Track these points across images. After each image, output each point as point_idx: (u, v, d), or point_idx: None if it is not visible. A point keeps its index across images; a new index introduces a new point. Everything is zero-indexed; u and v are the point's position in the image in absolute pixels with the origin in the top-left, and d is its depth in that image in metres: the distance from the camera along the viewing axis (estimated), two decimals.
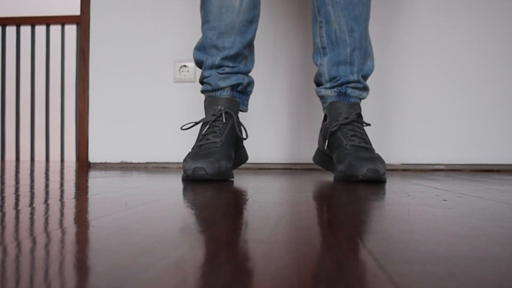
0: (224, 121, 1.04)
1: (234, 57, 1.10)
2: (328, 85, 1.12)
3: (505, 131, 1.63)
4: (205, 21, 1.11)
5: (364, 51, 1.11)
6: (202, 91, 1.14)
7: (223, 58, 1.10)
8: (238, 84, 1.11)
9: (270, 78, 1.71)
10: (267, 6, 1.69)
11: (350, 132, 1.04)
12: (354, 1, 1.09)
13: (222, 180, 0.96)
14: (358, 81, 1.11)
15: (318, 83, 1.17)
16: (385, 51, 1.65)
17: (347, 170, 0.95)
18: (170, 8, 1.76)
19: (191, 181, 0.95)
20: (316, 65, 1.17)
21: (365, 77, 1.13)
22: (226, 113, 1.05)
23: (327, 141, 1.09)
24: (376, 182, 0.94)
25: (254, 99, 1.70)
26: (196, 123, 1.07)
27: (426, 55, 1.65)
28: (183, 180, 0.96)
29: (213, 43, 1.09)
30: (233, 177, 1.00)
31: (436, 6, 1.65)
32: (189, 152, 1.00)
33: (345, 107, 1.08)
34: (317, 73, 1.16)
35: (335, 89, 1.11)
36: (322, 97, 1.16)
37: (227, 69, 1.10)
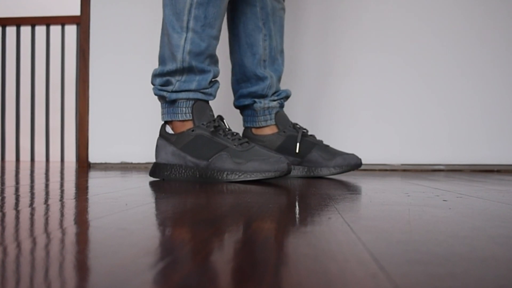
0: (227, 126, 1.00)
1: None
2: (274, 97, 1.17)
3: (505, 131, 1.63)
4: (208, 24, 0.97)
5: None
6: (201, 100, 1.00)
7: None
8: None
9: None
10: None
11: (309, 134, 1.19)
12: (283, 23, 1.20)
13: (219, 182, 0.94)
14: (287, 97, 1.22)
15: (264, 96, 1.16)
16: (384, 51, 1.65)
17: (344, 162, 1.12)
18: None
19: (190, 182, 0.95)
20: (258, 75, 1.15)
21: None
22: (221, 119, 1.00)
23: (298, 144, 1.14)
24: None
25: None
26: (216, 128, 0.97)
27: (426, 54, 1.65)
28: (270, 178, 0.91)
29: (213, 53, 1.00)
30: None
31: (447, 4, 1.65)
32: (232, 155, 0.93)
33: (286, 115, 1.20)
34: (268, 84, 1.15)
35: (278, 101, 1.18)
36: (267, 108, 1.16)
37: (217, 83, 1.04)
